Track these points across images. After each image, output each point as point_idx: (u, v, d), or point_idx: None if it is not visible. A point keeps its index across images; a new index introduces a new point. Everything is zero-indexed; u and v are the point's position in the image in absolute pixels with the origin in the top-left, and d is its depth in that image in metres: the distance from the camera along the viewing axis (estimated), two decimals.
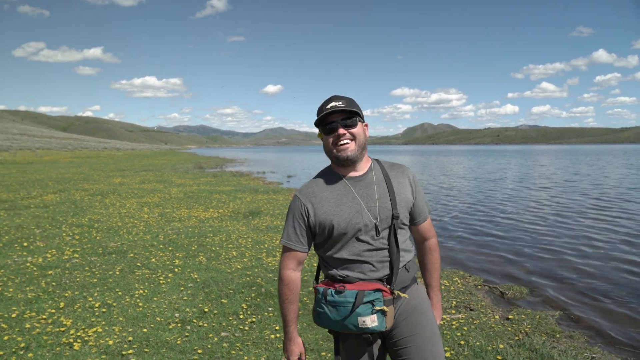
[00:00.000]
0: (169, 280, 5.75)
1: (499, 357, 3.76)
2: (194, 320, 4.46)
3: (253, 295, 5.25)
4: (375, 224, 1.91)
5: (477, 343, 4.04)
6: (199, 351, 3.80)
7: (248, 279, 5.88)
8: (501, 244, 8.85)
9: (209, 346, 3.90)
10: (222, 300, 5.05)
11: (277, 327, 4.36)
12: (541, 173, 30.56)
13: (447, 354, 3.80)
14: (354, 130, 1.93)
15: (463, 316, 4.77)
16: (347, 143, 1.91)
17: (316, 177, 2.06)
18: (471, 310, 5.00)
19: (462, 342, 4.05)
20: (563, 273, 6.87)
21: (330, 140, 1.93)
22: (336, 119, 1.92)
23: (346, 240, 1.92)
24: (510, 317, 4.85)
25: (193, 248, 7.56)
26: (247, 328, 4.34)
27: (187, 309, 4.75)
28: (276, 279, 5.78)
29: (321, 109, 1.93)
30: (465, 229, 10.49)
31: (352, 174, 1.98)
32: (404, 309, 1.98)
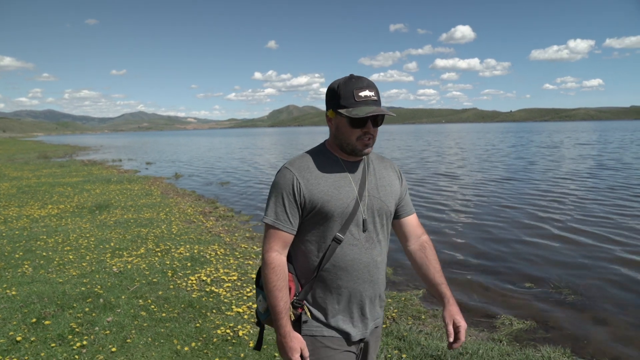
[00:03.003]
0: None
1: None
2: None
3: (87, 309, 4.37)
4: (363, 217, 1.74)
5: None
6: None
7: (84, 288, 4.94)
8: None
9: None
10: (45, 321, 4.09)
11: (113, 349, 3.60)
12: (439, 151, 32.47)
13: None
14: (377, 128, 1.75)
15: None
16: (370, 140, 1.71)
17: (309, 152, 1.82)
18: None
19: None
20: None
21: (355, 132, 1.69)
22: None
23: (334, 228, 1.72)
24: None
25: (17, 256, 6.27)
26: (75, 356, 3.51)
27: None
28: (124, 285, 4.95)
29: (351, 92, 1.66)
30: None
31: (350, 158, 1.78)
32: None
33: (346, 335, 1.75)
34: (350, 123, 1.67)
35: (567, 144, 35.85)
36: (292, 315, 1.70)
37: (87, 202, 10.99)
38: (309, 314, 1.74)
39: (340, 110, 1.68)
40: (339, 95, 1.68)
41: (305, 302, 1.74)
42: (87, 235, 7.53)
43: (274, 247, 1.70)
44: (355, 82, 1.68)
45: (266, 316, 1.77)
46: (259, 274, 1.80)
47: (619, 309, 4.92)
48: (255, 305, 2.62)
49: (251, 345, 3.69)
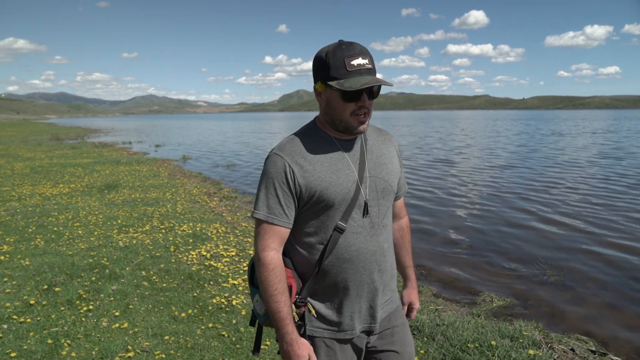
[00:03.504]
0: None
1: None
2: (14, 317, 3.83)
3: (94, 279, 4.71)
4: (366, 201, 1.58)
5: None
6: (13, 354, 3.25)
7: (91, 260, 5.28)
8: None
9: (25, 347, 3.36)
10: (55, 288, 4.44)
11: (116, 313, 3.92)
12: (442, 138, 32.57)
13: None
14: (373, 101, 1.56)
15: None
16: (365, 114, 1.53)
17: (297, 134, 1.63)
18: None
19: None
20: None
21: (348, 106, 1.50)
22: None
23: (335, 217, 1.57)
24: None
25: (30, 230, 6.64)
26: (82, 318, 3.84)
27: (8, 304, 4.07)
28: (129, 258, 5.28)
29: (342, 61, 1.47)
30: None
31: (344, 136, 1.60)
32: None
33: (353, 332, 1.63)
34: (342, 97, 1.49)
35: (573, 132, 35.67)
36: (296, 316, 1.56)
37: (96, 182, 11.36)
38: (313, 312, 1.60)
39: (330, 83, 1.48)
40: (328, 64, 1.48)
41: (308, 299, 1.60)
42: (96, 212, 7.88)
43: (270, 245, 1.53)
44: (346, 49, 1.48)
45: (266, 318, 1.61)
46: (251, 272, 1.66)
47: (598, 289, 5.15)
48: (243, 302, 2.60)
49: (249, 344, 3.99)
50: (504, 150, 20.93)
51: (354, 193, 1.54)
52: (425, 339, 3.60)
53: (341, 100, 1.49)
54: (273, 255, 1.52)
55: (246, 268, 5.13)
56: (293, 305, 1.55)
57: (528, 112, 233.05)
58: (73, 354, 3.27)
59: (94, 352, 3.29)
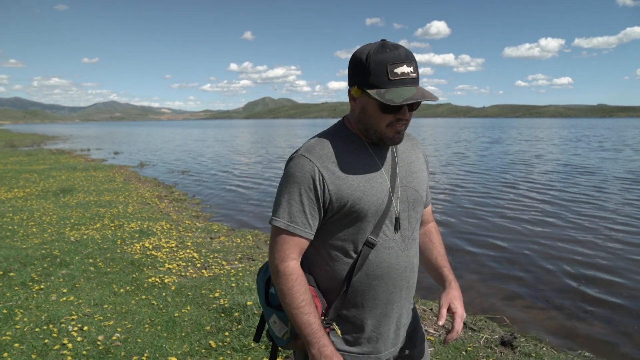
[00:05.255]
0: None
1: None
2: None
3: (46, 265, 5.41)
4: (397, 214, 1.47)
5: (246, 284, 4.88)
6: None
7: (44, 251, 5.95)
8: None
9: None
10: (10, 273, 5.12)
11: (64, 290, 4.66)
12: None
13: (218, 293, 4.55)
14: (413, 112, 1.42)
15: (243, 265, 5.60)
16: (403, 126, 1.41)
17: (325, 135, 1.48)
18: (252, 260, 5.87)
19: (233, 285, 4.85)
20: None
21: (386, 118, 1.37)
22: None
23: (366, 230, 1.43)
24: None
25: None
26: (34, 295, 4.56)
27: None
28: (79, 250, 5.97)
29: (384, 67, 1.31)
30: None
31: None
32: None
33: (379, 355, 1.51)
34: (381, 108, 1.35)
35: (510, 140, 37.73)
36: None
37: (52, 187, 11.85)
38: (339, 331, 1.49)
39: (369, 91, 1.33)
40: (369, 69, 1.33)
41: (333, 325, 1.48)
42: (50, 213, 8.47)
43: (289, 255, 1.40)
44: (389, 54, 1.32)
45: (288, 340, 1.47)
46: (266, 290, 1.55)
47: (533, 282, 6.07)
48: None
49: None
50: (453, 158, 22.24)
51: (386, 204, 1.43)
52: None
53: (379, 110, 1.36)
54: (294, 265, 1.40)
55: (183, 256, 5.91)
56: None
57: (489, 120, 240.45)
58: (25, 319, 3.99)
59: (43, 317, 4.03)
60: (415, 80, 1.33)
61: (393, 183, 1.46)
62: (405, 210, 1.49)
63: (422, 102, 1.36)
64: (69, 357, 3.33)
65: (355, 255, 1.43)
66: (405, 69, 1.31)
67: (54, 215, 8.32)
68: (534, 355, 3.61)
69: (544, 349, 3.78)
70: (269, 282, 1.54)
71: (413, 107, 1.38)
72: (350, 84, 1.41)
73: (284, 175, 1.43)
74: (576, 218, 8.47)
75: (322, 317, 1.42)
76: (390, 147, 1.51)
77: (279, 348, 1.60)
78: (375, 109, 1.36)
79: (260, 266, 5.50)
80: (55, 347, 3.48)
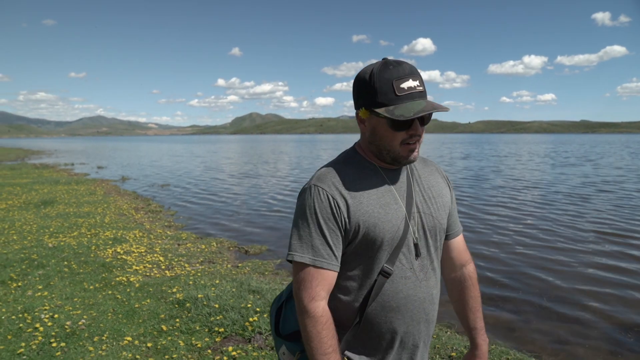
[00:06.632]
0: None
1: (213, 288, 5.27)
2: None
3: (24, 267, 6.01)
4: (415, 241, 1.41)
5: (202, 282, 5.52)
6: None
7: (23, 255, 6.54)
8: (252, 215, 10.71)
9: None
10: None
11: (39, 287, 5.27)
12: None
13: (176, 289, 5.19)
14: (425, 127, 1.40)
15: (203, 267, 6.25)
16: (416, 142, 1.37)
17: (335, 163, 1.45)
18: (212, 263, 6.51)
19: (191, 283, 5.49)
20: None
21: (398, 135, 1.34)
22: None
23: (381, 258, 1.38)
24: (239, 265, 6.49)
25: None
26: (12, 291, 5.16)
27: None
28: (56, 254, 6.55)
29: (390, 84, 1.30)
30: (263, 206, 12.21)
31: (389, 165, 1.43)
32: None
33: None
34: (392, 125, 1.32)
35: (481, 156, 38.85)
36: None
37: (34, 199, 12.39)
38: None
39: (378, 110, 1.31)
40: (374, 88, 1.31)
41: (346, 352, 1.42)
42: (31, 223, 9.04)
43: (319, 294, 1.32)
44: (393, 70, 1.30)
45: None
46: (277, 318, 1.53)
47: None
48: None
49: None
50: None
51: (402, 231, 1.37)
52: None
53: (390, 129, 1.33)
54: (324, 306, 1.32)
55: (150, 259, 6.54)
56: None
57: (474, 136, 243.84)
58: (3, 310, 4.60)
59: (19, 308, 4.63)
60: (423, 94, 1.32)
61: (409, 209, 1.41)
62: (423, 238, 1.43)
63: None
64: (40, 337, 3.95)
65: (369, 286, 1.38)
66: (411, 83, 1.30)
67: (34, 224, 8.89)
68: None
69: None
70: (280, 311, 1.52)
71: (424, 121, 1.36)
72: (357, 106, 1.40)
73: (298, 207, 1.38)
74: (488, 228, 9.24)
75: None
76: (406, 172, 1.46)
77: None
78: (386, 128, 1.33)
79: (217, 268, 6.16)
80: (28, 330, 4.10)
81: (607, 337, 4.47)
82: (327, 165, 1.44)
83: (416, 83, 1.30)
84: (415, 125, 1.32)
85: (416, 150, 1.37)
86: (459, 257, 1.61)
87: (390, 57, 1.37)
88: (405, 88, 1.28)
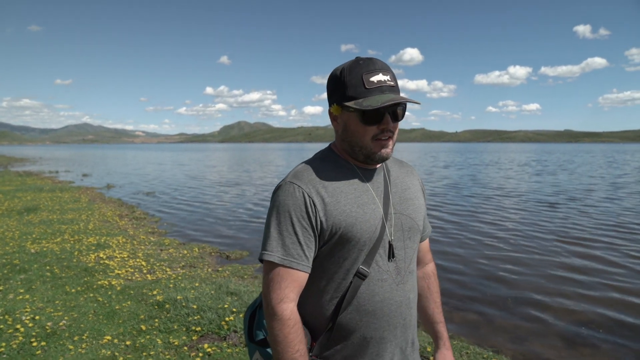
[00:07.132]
0: None
1: (192, 291, 5.43)
2: None
3: (5, 271, 6.10)
4: (390, 242, 1.38)
5: (182, 285, 5.68)
6: None
7: (4, 261, 6.63)
8: (233, 219, 10.88)
9: None
10: None
11: (21, 290, 5.38)
12: None
13: (156, 292, 5.34)
14: (398, 123, 1.37)
15: (184, 271, 6.41)
16: (389, 139, 1.36)
17: (313, 160, 1.43)
18: (193, 267, 6.67)
19: (171, 286, 5.65)
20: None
21: (369, 130, 1.32)
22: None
23: (357, 259, 1.35)
24: (219, 269, 6.66)
25: None
26: None
27: None
28: (38, 259, 6.65)
29: (359, 78, 1.30)
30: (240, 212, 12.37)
31: (365, 165, 1.42)
32: None
33: None
34: (362, 119, 1.30)
35: (462, 165, 39.43)
36: None
37: (16, 206, 12.41)
38: None
39: (347, 104, 1.31)
40: (344, 83, 1.31)
41: (318, 358, 1.38)
42: (13, 230, 9.10)
43: (288, 296, 1.28)
44: (364, 65, 1.31)
45: None
46: (250, 324, 1.49)
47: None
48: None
49: None
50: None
51: (379, 232, 1.34)
52: None
53: (360, 123, 1.31)
54: (293, 308, 1.29)
55: (132, 264, 6.68)
56: None
57: (460, 145, 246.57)
58: None
59: (0, 311, 4.76)
60: (393, 88, 1.31)
61: (386, 209, 1.38)
62: (400, 239, 1.40)
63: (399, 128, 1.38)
64: (21, 337, 4.09)
65: (344, 288, 1.34)
66: (381, 77, 1.29)
67: (16, 231, 8.96)
68: None
69: None
70: (253, 317, 1.49)
71: (397, 117, 1.34)
72: (330, 103, 1.39)
73: (272, 204, 1.35)
74: (459, 234, 9.54)
75: (308, 353, 1.32)
76: (383, 173, 1.44)
77: None
78: (357, 123, 1.32)
79: (198, 272, 6.32)
80: (9, 331, 4.22)
81: (564, 334, 4.75)
82: (304, 162, 1.42)
83: (387, 77, 1.30)
84: (386, 120, 1.31)
85: (389, 147, 1.35)
86: (423, 257, 1.66)
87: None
88: (375, 81, 1.29)
